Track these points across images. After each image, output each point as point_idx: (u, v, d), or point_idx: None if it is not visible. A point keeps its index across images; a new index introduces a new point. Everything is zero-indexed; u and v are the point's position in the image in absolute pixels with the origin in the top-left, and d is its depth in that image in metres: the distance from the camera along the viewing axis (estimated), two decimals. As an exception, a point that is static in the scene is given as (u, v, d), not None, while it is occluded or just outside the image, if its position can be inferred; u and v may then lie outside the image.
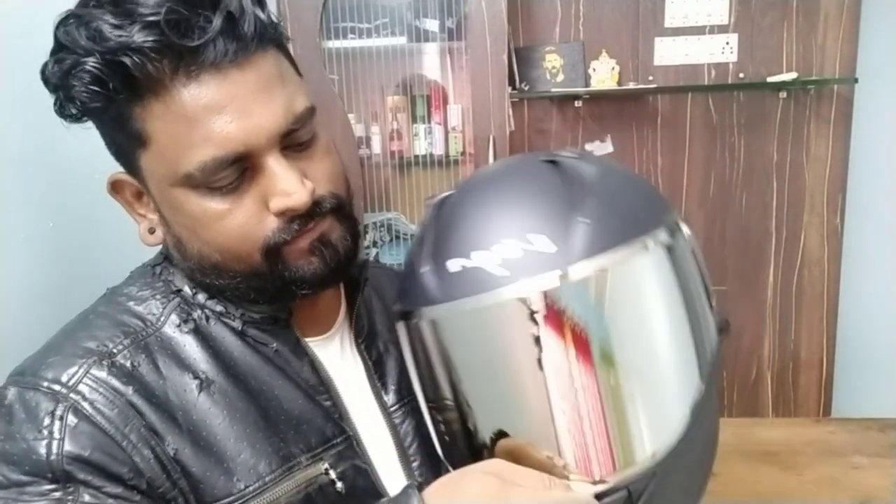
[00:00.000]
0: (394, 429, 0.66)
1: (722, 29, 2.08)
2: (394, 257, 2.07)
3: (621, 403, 0.50)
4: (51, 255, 0.88)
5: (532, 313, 0.49)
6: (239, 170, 0.53)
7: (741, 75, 2.09)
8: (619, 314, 0.49)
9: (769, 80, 2.05)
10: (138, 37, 0.49)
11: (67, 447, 0.51)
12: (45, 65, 0.53)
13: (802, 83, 2.04)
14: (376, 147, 2.06)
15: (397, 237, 2.08)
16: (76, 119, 0.55)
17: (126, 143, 0.56)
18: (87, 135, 1.01)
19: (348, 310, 0.69)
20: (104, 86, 0.50)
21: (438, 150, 2.06)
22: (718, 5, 2.07)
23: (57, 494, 0.50)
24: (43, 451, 0.50)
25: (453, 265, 0.52)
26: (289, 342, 0.62)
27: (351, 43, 1.96)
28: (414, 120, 2.07)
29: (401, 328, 0.58)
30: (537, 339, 0.49)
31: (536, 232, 0.50)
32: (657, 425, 0.51)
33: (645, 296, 0.51)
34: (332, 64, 1.97)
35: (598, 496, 0.49)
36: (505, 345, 0.50)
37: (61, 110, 0.55)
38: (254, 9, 0.53)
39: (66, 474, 0.50)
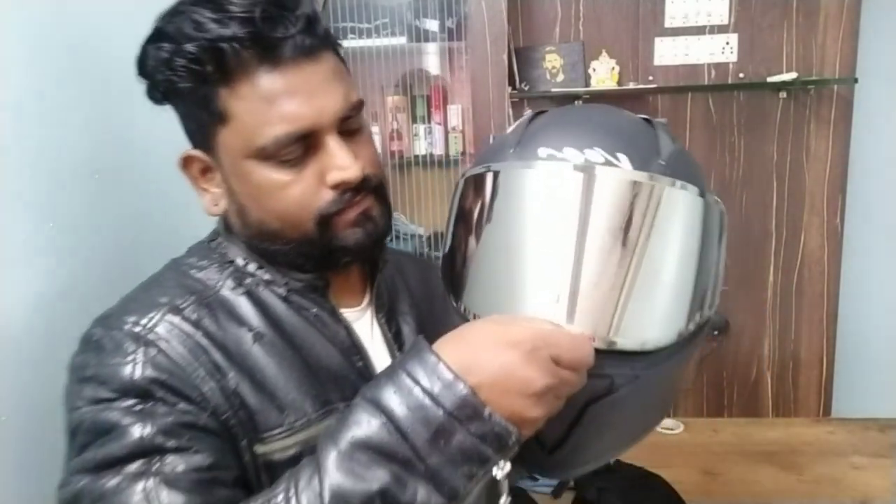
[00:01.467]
0: None
1: (722, 29, 2.08)
2: (394, 257, 2.07)
3: (634, 282, 0.57)
4: (50, 255, 0.88)
5: (591, 186, 0.57)
6: (302, 147, 0.64)
7: (741, 75, 2.09)
8: (655, 223, 0.58)
9: (769, 80, 2.05)
10: (235, 29, 0.59)
11: (147, 371, 0.60)
12: (144, 52, 0.64)
13: (802, 83, 2.04)
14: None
15: (397, 237, 2.08)
16: (158, 102, 0.67)
17: (207, 120, 0.65)
18: (86, 135, 1.01)
19: (370, 288, 0.78)
20: (202, 67, 0.61)
21: (438, 150, 2.06)
22: (718, 5, 2.07)
23: (138, 407, 0.58)
24: (128, 372, 0.59)
25: (543, 152, 0.60)
26: (326, 309, 0.71)
27: (351, 43, 1.96)
28: (414, 120, 2.07)
29: (464, 184, 0.67)
30: (596, 211, 0.57)
31: (622, 153, 0.58)
32: (649, 322, 0.59)
33: (679, 225, 0.60)
34: (333, 64, 1.96)
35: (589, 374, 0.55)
36: (570, 205, 0.57)
37: (149, 93, 0.66)
38: (321, 16, 0.66)
39: (146, 392, 0.59)
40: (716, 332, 2.21)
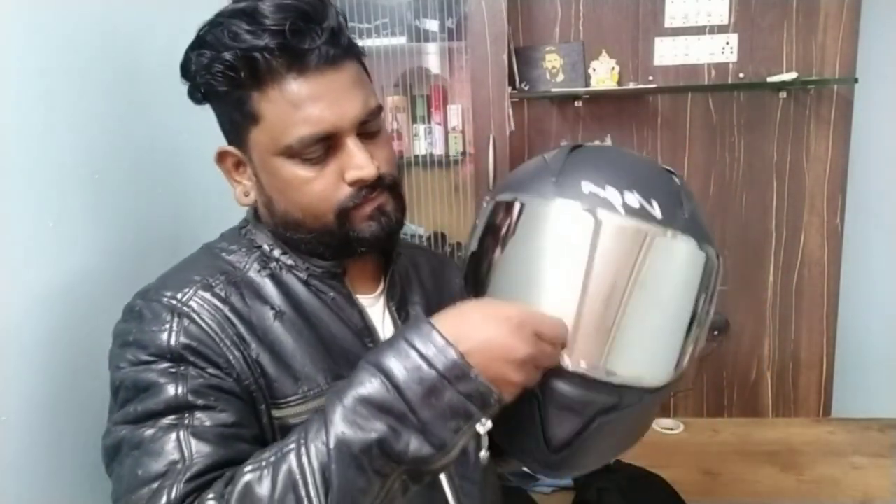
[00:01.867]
0: None
1: (722, 29, 2.08)
2: (394, 257, 2.06)
3: (640, 326, 0.65)
4: (51, 254, 0.88)
5: (626, 242, 0.64)
6: (325, 146, 0.71)
7: (741, 75, 2.09)
8: (663, 274, 0.66)
9: (769, 80, 2.05)
10: (267, 40, 0.66)
11: (181, 338, 0.68)
12: (188, 58, 0.71)
13: (802, 83, 2.03)
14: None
15: (397, 237, 2.08)
16: (199, 102, 0.75)
17: (241, 120, 0.72)
18: (87, 135, 1.01)
19: (384, 278, 0.84)
20: (237, 73, 0.68)
21: (438, 150, 2.06)
22: (718, 5, 2.07)
23: (173, 369, 0.66)
24: (164, 338, 0.68)
25: (587, 187, 0.66)
26: (343, 294, 0.79)
27: (351, 43, 1.96)
28: (414, 120, 2.07)
29: (496, 206, 0.72)
30: (626, 258, 0.64)
31: (655, 200, 0.66)
32: (637, 360, 0.66)
33: (681, 278, 0.68)
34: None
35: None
36: (600, 252, 0.64)
37: (190, 94, 0.74)
38: (345, 27, 0.72)
39: (180, 356, 0.67)
40: (716, 332, 2.21)
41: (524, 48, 2.14)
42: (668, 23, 2.09)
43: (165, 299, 0.71)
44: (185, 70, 0.72)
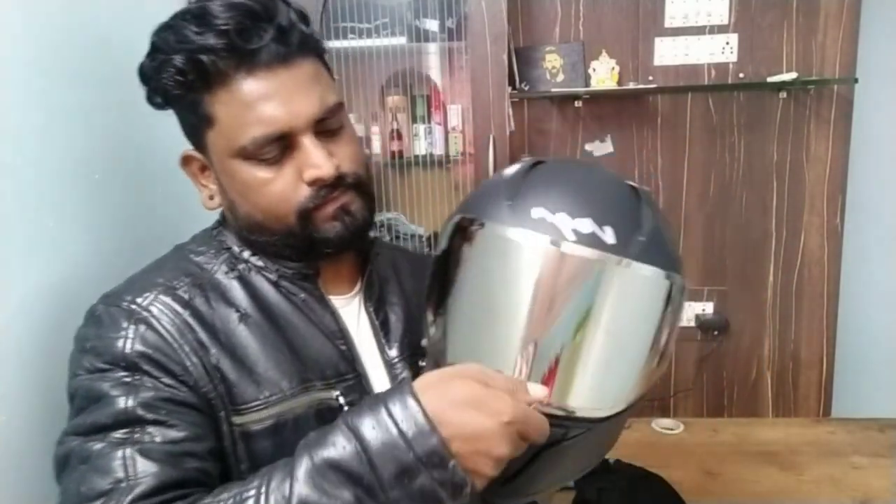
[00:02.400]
0: (394, 378, 0.79)
1: (722, 29, 2.08)
2: (394, 257, 2.06)
3: (593, 358, 0.63)
4: (51, 254, 0.88)
5: (575, 271, 0.62)
6: (281, 147, 0.69)
7: (741, 75, 2.09)
8: (614, 303, 0.63)
9: (769, 80, 2.05)
10: (213, 41, 0.65)
11: (137, 346, 0.66)
12: (142, 63, 0.70)
13: (802, 83, 2.03)
14: (376, 147, 2.06)
15: (397, 237, 2.08)
16: (160, 107, 0.73)
17: (197, 123, 0.71)
18: (87, 135, 1.01)
19: (360, 279, 0.83)
20: (185, 77, 0.67)
21: (438, 150, 2.06)
22: (718, 5, 2.07)
23: (127, 378, 0.65)
24: (120, 346, 0.66)
25: (537, 213, 0.63)
26: (315, 295, 0.77)
27: (351, 43, 1.96)
28: (414, 120, 2.07)
29: (453, 230, 0.68)
30: (576, 288, 0.62)
31: (609, 226, 0.62)
32: (587, 392, 0.64)
33: (634, 306, 0.65)
34: (333, 64, 1.95)
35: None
36: (550, 281, 0.62)
37: (149, 99, 0.72)
38: (299, 24, 0.70)
39: (135, 364, 0.65)
40: (716, 332, 2.21)
41: (524, 48, 2.14)
42: (668, 23, 2.09)
43: (125, 304, 0.69)
44: (142, 75, 0.71)
